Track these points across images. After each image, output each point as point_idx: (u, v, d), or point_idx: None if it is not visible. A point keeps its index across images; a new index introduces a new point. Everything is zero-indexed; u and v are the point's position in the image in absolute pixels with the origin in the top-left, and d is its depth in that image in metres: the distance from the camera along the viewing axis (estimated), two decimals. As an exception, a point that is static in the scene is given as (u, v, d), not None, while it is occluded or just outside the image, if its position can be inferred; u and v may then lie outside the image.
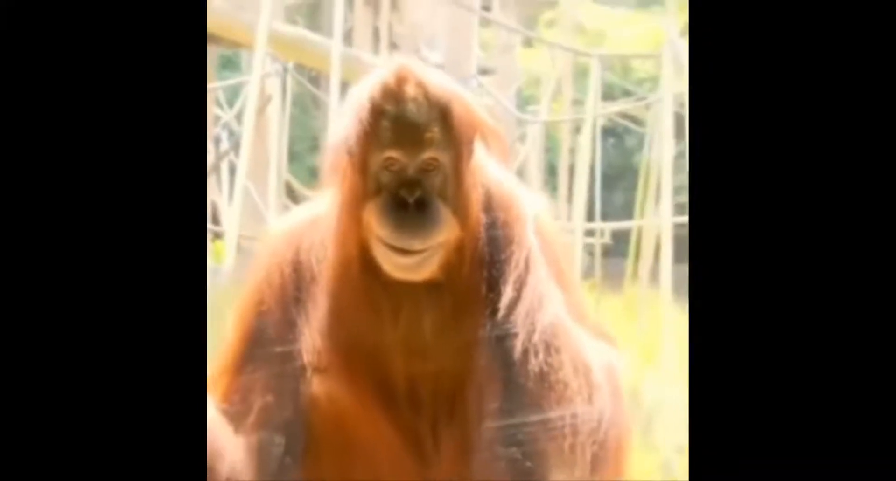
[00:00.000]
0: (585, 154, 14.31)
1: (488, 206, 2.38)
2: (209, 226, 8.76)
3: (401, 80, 2.35)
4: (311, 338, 2.42)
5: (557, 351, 2.31)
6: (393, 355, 2.40)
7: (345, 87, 6.54)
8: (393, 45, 14.60)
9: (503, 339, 2.32)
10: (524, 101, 17.63)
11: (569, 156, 15.05)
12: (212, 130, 11.47)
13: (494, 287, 2.35)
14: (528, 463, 2.27)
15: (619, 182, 18.79)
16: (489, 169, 2.43)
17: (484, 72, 14.97)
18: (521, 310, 2.32)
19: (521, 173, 15.13)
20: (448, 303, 2.37)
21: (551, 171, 15.69)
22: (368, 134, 2.34)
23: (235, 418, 2.40)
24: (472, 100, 2.38)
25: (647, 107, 14.86)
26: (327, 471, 2.40)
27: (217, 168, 10.88)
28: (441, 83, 2.35)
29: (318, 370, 2.41)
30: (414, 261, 2.34)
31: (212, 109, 11.60)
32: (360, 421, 2.41)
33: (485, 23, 15.06)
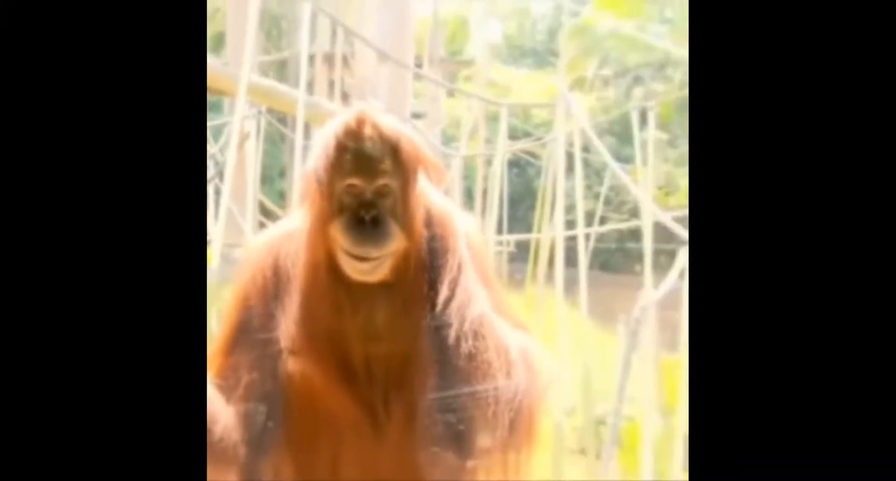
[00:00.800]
0: (495, 181, 14.29)
1: (429, 223, 2.40)
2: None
3: (360, 123, 2.36)
4: (287, 327, 2.41)
5: (483, 337, 2.32)
6: (352, 340, 2.40)
7: (307, 126, 6.60)
8: (345, 94, 14.57)
9: (440, 328, 2.33)
10: (447, 140, 17.60)
11: (482, 182, 14.98)
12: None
13: (433, 287, 2.36)
14: (461, 427, 2.27)
15: (521, 203, 18.74)
16: (430, 193, 2.45)
17: (416, 116, 14.99)
18: (454, 305, 2.34)
19: (444, 195, 15.14)
20: (397, 300, 2.38)
21: (468, 194, 15.64)
22: (334, 165, 2.34)
23: (226, 391, 2.40)
24: (416, 138, 2.39)
25: (543, 145, 14.83)
26: (300, 434, 2.40)
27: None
28: (392, 125, 2.36)
29: (292, 352, 2.41)
30: (370, 266, 2.34)
31: (200, 144, 11.55)
32: (327, 393, 2.40)
33: (417, 77, 15.05)
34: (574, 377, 12.49)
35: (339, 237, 2.33)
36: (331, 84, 14.87)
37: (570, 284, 14.71)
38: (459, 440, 2.30)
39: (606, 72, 22.49)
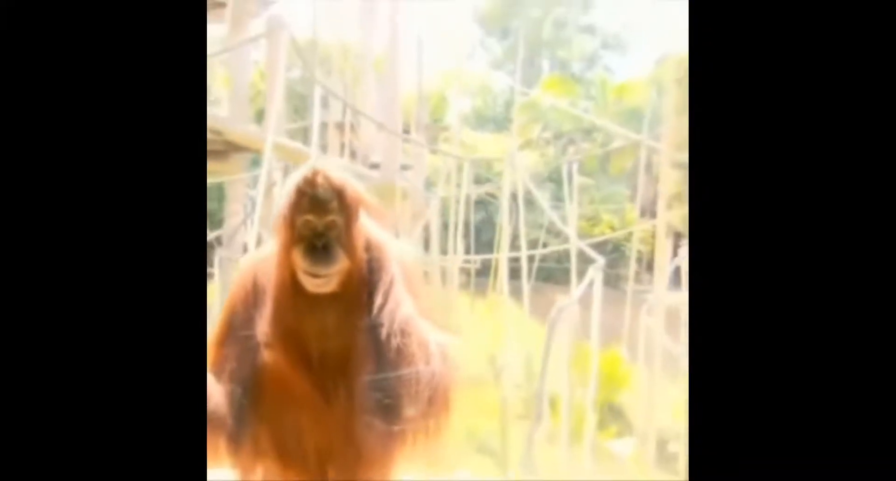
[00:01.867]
0: (462, 216, 14.37)
1: (368, 248, 2.39)
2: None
3: (314, 175, 2.35)
4: (263, 327, 2.39)
5: (408, 334, 2.32)
6: (310, 337, 2.38)
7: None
8: (352, 153, 14.57)
9: (375, 327, 2.31)
10: (429, 185, 17.61)
11: (454, 216, 15.02)
12: (243, 201, 11.41)
13: (371, 296, 2.35)
14: (388, 401, 2.26)
15: (484, 232, 18.75)
16: (369, 226, 2.43)
17: (405, 167, 14.96)
18: (386, 310, 2.33)
19: (426, 227, 15.15)
20: (343, 306, 2.36)
21: (445, 226, 15.63)
22: (294, 206, 2.34)
23: (217, 375, 2.37)
24: (358, 186, 2.39)
25: (500, 188, 14.85)
26: (272, 408, 2.38)
27: (245, 223, 10.85)
28: (339, 176, 2.36)
29: (266, 346, 2.38)
30: (322, 281, 2.32)
31: (244, 190, 11.53)
32: (291, 377, 2.38)
33: (406, 140, 15.08)
34: (519, 360, 12.46)
35: (299, 259, 2.31)
36: (342, 145, 14.91)
37: (518, 292, 14.76)
38: (389, 411, 2.27)
39: (547, 135, 22.53)
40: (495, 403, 10.99)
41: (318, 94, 7.62)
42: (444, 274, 15.16)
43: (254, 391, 2.36)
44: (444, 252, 15.44)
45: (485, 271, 17.50)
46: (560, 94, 22.97)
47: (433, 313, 2.50)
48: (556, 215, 14.66)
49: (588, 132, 22.28)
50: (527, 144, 21.77)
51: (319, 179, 2.32)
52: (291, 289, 2.34)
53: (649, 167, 16.85)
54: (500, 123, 23.56)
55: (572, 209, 14.17)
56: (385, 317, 2.31)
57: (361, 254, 2.36)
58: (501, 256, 14.52)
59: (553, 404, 9.91)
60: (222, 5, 11.97)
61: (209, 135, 10.47)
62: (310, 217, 2.30)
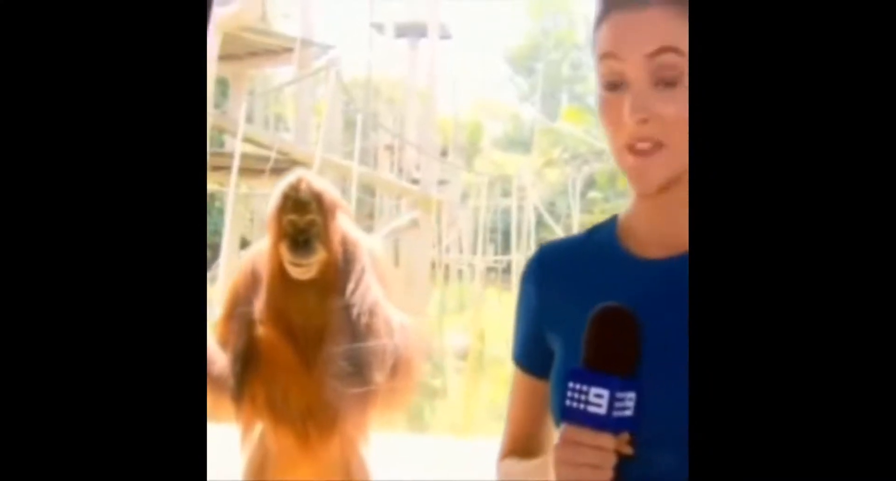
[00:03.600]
0: (492, 223, 14.37)
1: (343, 243, 2.43)
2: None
3: (298, 182, 2.39)
4: (258, 306, 2.41)
5: (375, 314, 2.36)
6: (295, 315, 2.40)
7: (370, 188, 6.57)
8: (399, 169, 14.58)
9: (348, 308, 2.35)
10: (465, 197, 17.59)
11: (483, 223, 15.03)
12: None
13: (345, 282, 2.38)
14: (351, 368, 2.30)
15: (510, 237, 18.76)
16: (344, 224, 2.46)
17: (442, 182, 14.97)
18: (358, 293, 2.37)
19: (460, 232, 15.21)
20: (322, 290, 2.39)
21: (475, 232, 15.66)
22: (281, 208, 2.37)
23: (222, 345, 2.42)
24: (335, 192, 2.44)
25: (517, 206, 14.88)
26: (264, 373, 2.40)
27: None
28: (319, 183, 2.40)
29: (260, 322, 2.40)
30: (303, 270, 2.35)
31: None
32: (279, 348, 2.40)
33: (443, 160, 15.09)
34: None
35: (285, 252, 2.34)
36: (391, 164, 14.99)
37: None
38: (357, 377, 2.31)
39: (566, 156, 22.45)
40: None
41: (360, 120, 7.65)
42: (473, 271, 15.16)
43: (251, 359, 2.39)
44: (474, 253, 15.45)
45: (510, 270, 17.48)
46: (577, 123, 22.90)
47: (398, 299, 2.54)
48: (567, 223, 14.59)
49: (599, 154, 22.16)
50: (548, 164, 21.70)
51: (302, 186, 2.36)
52: (280, 276, 2.37)
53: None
54: (525, 146, 23.48)
55: (576, 218, 14.12)
56: (356, 300, 2.35)
57: (337, 248, 2.39)
58: (521, 257, 14.54)
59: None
60: (290, 50, 12.09)
61: (277, 155, 10.57)
62: (293, 216, 2.34)
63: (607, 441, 0.96)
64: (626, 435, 0.97)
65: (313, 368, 2.37)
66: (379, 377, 2.32)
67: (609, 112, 1.07)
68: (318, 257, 2.33)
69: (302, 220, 2.33)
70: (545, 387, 1.16)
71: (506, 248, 17.73)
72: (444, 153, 15.46)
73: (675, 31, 1.05)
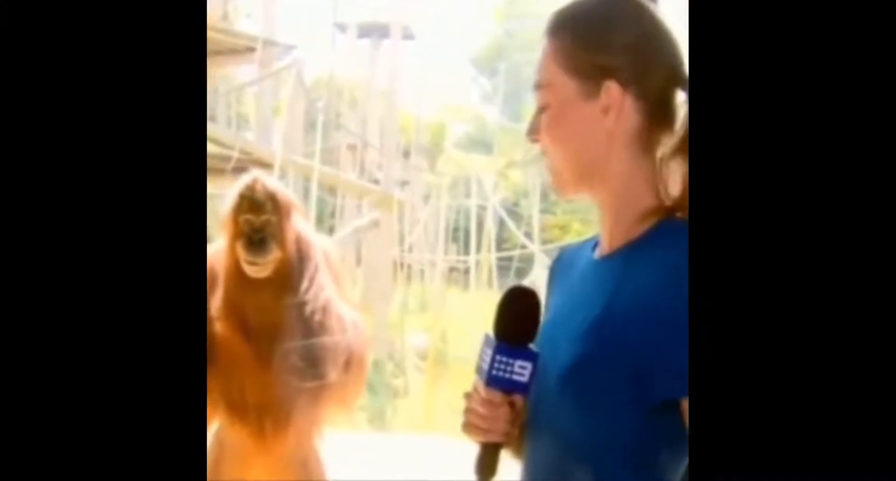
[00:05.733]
0: (454, 223, 14.39)
1: (297, 242, 2.46)
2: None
3: (253, 182, 2.44)
4: (214, 304, 2.44)
5: (328, 311, 2.41)
6: (250, 312, 2.45)
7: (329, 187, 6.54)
8: (361, 169, 14.60)
9: (301, 305, 2.40)
10: (427, 197, 17.60)
11: (446, 224, 15.01)
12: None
13: (299, 280, 2.42)
14: (304, 364, 2.34)
15: (473, 237, 18.80)
16: (299, 224, 2.50)
17: (404, 182, 14.95)
18: (311, 291, 2.41)
19: (422, 232, 15.25)
20: (276, 288, 2.43)
21: (436, 231, 15.66)
22: (237, 207, 2.41)
23: None
24: (289, 193, 2.48)
25: (479, 206, 14.92)
26: (221, 368, 2.41)
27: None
28: (272, 184, 2.44)
29: (217, 318, 2.44)
30: (258, 268, 2.40)
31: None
32: (234, 345, 2.44)
33: (405, 160, 15.08)
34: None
35: (241, 250, 2.39)
36: (353, 164, 14.97)
37: (496, 286, 14.81)
38: (311, 372, 2.36)
39: (528, 157, 22.53)
40: (473, 377, 11.05)
41: (321, 120, 7.67)
42: (435, 271, 15.20)
43: (208, 355, 2.41)
44: (435, 253, 15.49)
45: (472, 270, 17.56)
46: (539, 123, 22.98)
47: (349, 297, 2.59)
48: (529, 225, 14.70)
49: (561, 155, 22.28)
50: (510, 165, 21.79)
51: (258, 186, 2.40)
52: (236, 274, 2.42)
53: (609, 184, 16.81)
54: (487, 147, 23.56)
55: (536, 219, 14.22)
56: (310, 297, 2.40)
57: (292, 247, 2.44)
58: (483, 257, 14.61)
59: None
60: (252, 49, 12.04)
61: (239, 154, 10.52)
62: (249, 216, 2.38)
63: (495, 396, 1.15)
64: (518, 398, 1.15)
65: (268, 365, 2.41)
66: (332, 372, 2.38)
67: None
68: (274, 256, 2.38)
69: (258, 220, 2.37)
70: None
71: (467, 249, 17.78)
72: (406, 153, 15.49)
73: (547, 66, 1.21)
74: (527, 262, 18.93)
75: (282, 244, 2.40)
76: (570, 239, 19.91)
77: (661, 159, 1.19)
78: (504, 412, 1.15)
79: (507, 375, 1.13)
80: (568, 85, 1.18)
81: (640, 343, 1.08)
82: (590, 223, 21.23)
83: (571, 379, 1.12)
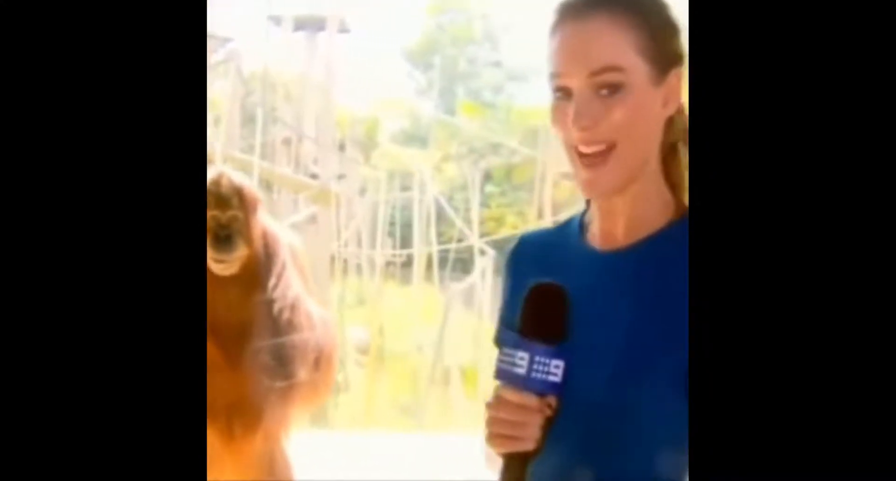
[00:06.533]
0: (391, 217, 14.36)
1: (264, 238, 2.44)
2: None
3: (218, 177, 2.40)
4: None
5: (296, 308, 2.38)
6: (220, 310, 2.37)
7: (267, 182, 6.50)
8: (297, 163, 14.48)
9: (270, 302, 2.37)
10: (363, 191, 17.56)
11: (382, 218, 14.99)
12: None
13: (266, 277, 2.40)
14: (274, 362, 2.31)
15: (409, 231, 18.80)
16: (265, 219, 2.47)
17: (341, 177, 14.88)
18: (279, 288, 2.39)
19: (359, 227, 15.20)
20: (244, 285, 2.41)
21: (374, 224, 15.61)
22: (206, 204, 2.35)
23: None
24: (254, 189, 2.45)
25: (415, 200, 14.93)
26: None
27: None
28: (238, 180, 2.40)
29: None
30: (225, 265, 2.37)
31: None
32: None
33: (341, 154, 14.98)
34: (433, 336, 12.49)
35: (209, 248, 2.34)
36: (289, 158, 14.83)
37: (436, 281, 14.84)
38: (280, 371, 2.33)
39: (462, 150, 22.62)
40: (414, 372, 11.05)
41: (260, 114, 7.58)
42: (372, 265, 15.16)
43: None
44: (373, 247, 15.45)
45: (409, 264, 17.53)
46: (473, 117, 23.11)
47: (315, 294, 2.56)
48: (466, 217, 14.76)
49: (496, 148, 22.41)
50: (444, 159, 21.84)
51: (223, 181, 2.36)
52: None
53: (544, 177, 16.98)
54: (422, 141, 23.56)
55: (476, 212, 14.26)
56: (278, 294, 2.38)
57: (258, 243, 2.41)
58: (421, 250, 14.62)
59: (462, 371, 9.99)
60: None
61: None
62: (215, 212, 2.34)
63: (530, 400, 1.07)
64: (551, 399, 1.08)
65: (236, 364, 2.37)
66: (302, 371, 2.35)
67: (557, 119, 1.16)
68: (240, 253, 2.35)
69: (223, 216, 2.33)
70: None
71: (405, 243, 17.76)
72: (342, 147, 15.38)
73: (617, 45, 1.12)
74: (466, 254, 19.02)
75: (248, 240, 2.36)
76: (506, 231, 20.03)
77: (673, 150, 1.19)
78: (537, 417, 1.07)
79: (544, 376, 1.06)
80: (641, 68, 1.12)
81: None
82: (524, 215, 21.37)
83: (621, 374, 1.10)
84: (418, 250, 13.98)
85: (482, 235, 15.08)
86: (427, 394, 10.13)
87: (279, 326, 2.34)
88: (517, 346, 1.08)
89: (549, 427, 1.09)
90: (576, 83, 1.12)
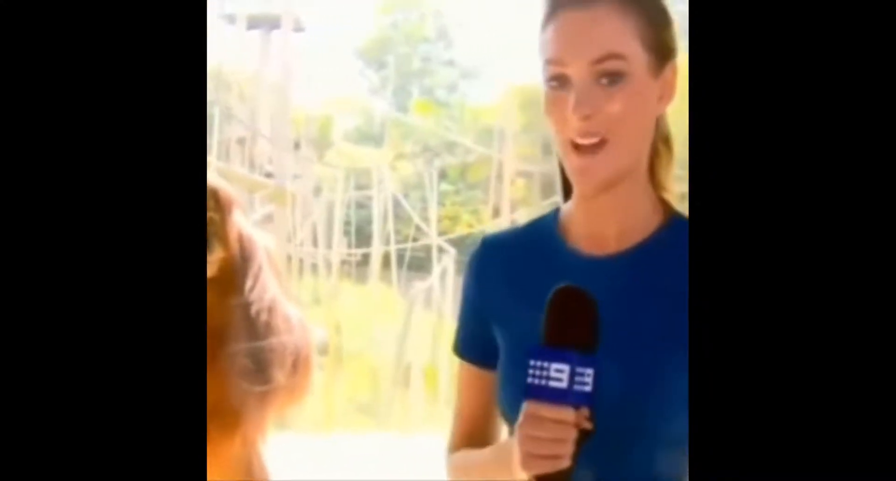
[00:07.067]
0: (346, 216, 14.29)
1: (240, 240, 2.38)
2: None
3: None
4: None
5: (273, 311, 2.33)
6: None
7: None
8: (251, 162, 14.37)
9: (247, 305, 2.32)
10: (317, 190, 17.46)
11: (338, 217, 14.94)
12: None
13: (243, 280, 2.35)
14: (252, 366, 2.27)
15: (364, 230, 18.72)
16: (240, 221, 2.42)
17: (296, 176, 14.77)
18: (256, 290, 2.33)
19: (314, 226, 15.10)
20: (220, 288, 2.33)
21: (329, 224, 15.54)
22: None
23: None
24: (230, 189, 2.38)
25: (370, 198, 14.87)
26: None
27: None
28: (213, 181, 2.34)
29: None
30: None
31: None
32: (177, 347, 2.35)
33: (296, 153, 14.89)
34: (391, 335, 12.48)
35: None
36: (243, 158, 14.72)
37: (391, 279, 14.82)
38: (259, 375, 2.29)
39: (416, 149, 22.60)
40: (373, 371, 11.02)
41: (217, 113, 7.50)
42: (328, 264, 15.09)
43: None
44: (328, 246, 15.37)
45: (364, 263, 17.48)
46: (427, 116, 23.09)
47: (292, 296, 2.53)
48: (421, 216, 14.75)
49: (450, 146, 22.41)
50: (399, 157, 21.80)
51: None
52: None
53: (500, 176, 17.05)
54: (377, 140, 23.50)
55: (434, 210, 14.26)
56: (255, 297, 2.32)
57: (235, 245, 2.35)
58: (375, 250, 14.59)
59: (423, 370, 9.98)
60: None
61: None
62: None
63: (568, 415, 0.99)
64: (585, 410, 1.00)
65: (213, 367, 2.33)
66: (280, 375, 2.32)
67: (554, 109, 1.10)
68: (217, 256, 2.29)
69: None
70: (492, 377, 1.19)
71: (360, 241, 17.72)
72: (297, 146, 15.30)
73: (620, 33, 1.08)
74: (423, 253, 19.01)
75: (225, 243, 2.31)
76: (461, 230, 20.07)
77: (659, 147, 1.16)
78: (574, 432, 1.00)
79: (582, 387, 0.98)
80: (642, 57, 1.09)
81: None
82: (479, 214, 21.42)
83: (631, 378, 1.07)
84: (375, 249, 13.93)
85: (439, 234, 15.09)
86: (387, 395, 10.12)
87: (256, 329, 2.29)
88: (551, 358, 0.99)
89: (584, 441, 1.01)
90: (575, 71, 1.08)
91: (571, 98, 1.07)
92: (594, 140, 1.07)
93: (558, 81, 1.09)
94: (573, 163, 1.10)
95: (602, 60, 1.07)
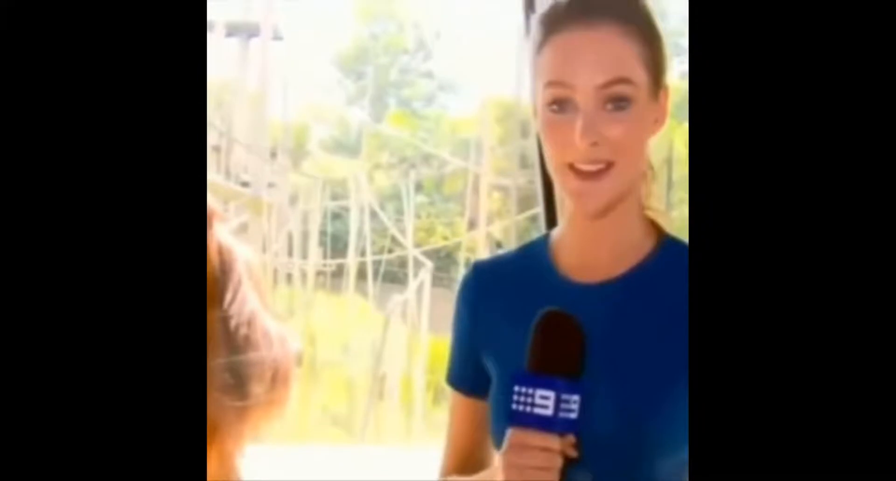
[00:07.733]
0: (321, 226, 14.27)
1: (220, 252, 2.34)
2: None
3: None
4: None
5: (253, 325, 2.28)
6: None
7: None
8: (227, 171, 14.31)
9: (226, 319, 2.27)
10: (293, 200, 17.40)
11: (316, 226, 14.89)
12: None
13: (222, 293, 2.31)
14: (232, 380, 2.23)
15: (339, 241, 18.68)
16: (220, 233, 2.39)
17: (271, 185, 14.73)
18: (236, 304, 2.28)
19: (289, 236, 15.04)
20: None
21: (305, 235, 15.49)
22: None
23: None
24: (209, 200, 2.35)
25: (346, 209, 14.85)
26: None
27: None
28: None
29: None
30: None
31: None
32: (154, 360, 2.31)
33: (272, 162, 14.84)
34: (365, 347, 12.46)
35: None
36: (218, 166, 14.68)
37: (366, 291, 14.77)
38: (238, 390, 2.25)
39: (393, 160, 22.60)
40: (347, 382, 10.98)
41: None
42: (303, 275, 15.03)
43: None
44: (304, 257, 15.32)
45: (339, 273, 17.43)
46: (403, 127, 23.12)
47: (272, 308, 2.49)
48: (397, 227, 14.73)
49: (426, 158, 22.45)
50: (375, 168, 21.79)
51: None
52: None
53: (476, 188, 17.07)
54: (353, 150, 23.47)
55: (410, 222, 14.24)
56: (234, 310, 2.29)
57: (214, 258, 2.32)
58: (350, 261, 14.55)
59: (398, 382, 9.96)
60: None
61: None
62: None
63: (554, 442, 0.97)
64: (570, 437, 0.99)
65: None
66: (259, 389, 2.29)
67: (554, 133, 1.07)
68: None
69: None
70: (484, 407, 1.16)
71: (335, 252, 17.66)
72: (272, 155, 15.24)
73: (626, 56, 1.06)
74: (397, 264, 18.99)
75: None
76: (436, 241, 20.12)
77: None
78: (560, 459, 0.98)
79: (567, 414, 0.97)
80: (645, 81, 1.07)
81: None
82: (454, 226, 21.46)
83: (630, 405, 1.05)
84: (351, 260, 13.89)
85: (414, 246, 15.08)
86: (362, 407, 10.08)
87: (236, 343, 2.26)
88: (536, 384, 0.97)
89: (569, 467, 1.00)
90: (581, 95, 1.05)
91: (578, 123, 1.04)
92: (600, 166, 1.05)
93: (560, 105, 1.06)
94: (573, 186, 1.07)
95: (609, 85, 1.05)
